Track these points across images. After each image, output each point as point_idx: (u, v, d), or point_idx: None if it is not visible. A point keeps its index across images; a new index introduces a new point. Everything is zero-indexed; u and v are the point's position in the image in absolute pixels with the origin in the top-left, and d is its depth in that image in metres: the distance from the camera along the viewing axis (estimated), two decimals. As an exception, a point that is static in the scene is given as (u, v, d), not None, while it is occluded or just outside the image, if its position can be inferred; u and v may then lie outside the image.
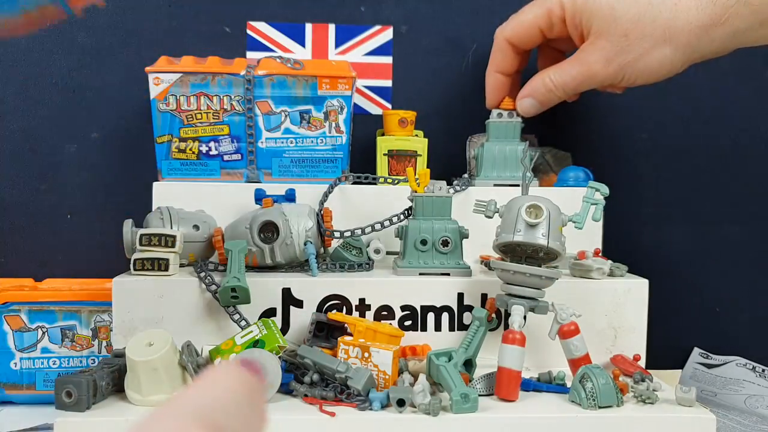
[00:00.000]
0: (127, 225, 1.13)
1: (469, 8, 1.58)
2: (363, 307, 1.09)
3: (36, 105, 1.49)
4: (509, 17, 0.95)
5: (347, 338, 0.99)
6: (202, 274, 1.06)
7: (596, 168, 1.57)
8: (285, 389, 0.95)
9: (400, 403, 0.89)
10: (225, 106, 1.27)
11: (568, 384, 0.99)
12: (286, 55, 1.48)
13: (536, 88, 0.74)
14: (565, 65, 0.68)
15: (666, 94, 1.62)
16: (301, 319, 1.08)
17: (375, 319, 1.09)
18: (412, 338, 1.09)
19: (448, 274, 1.13)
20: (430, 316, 1.10)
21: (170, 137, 1.28)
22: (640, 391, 0.95)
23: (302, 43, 1.54)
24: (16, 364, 1.26)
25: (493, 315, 1.04)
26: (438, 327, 1.10)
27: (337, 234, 1.15)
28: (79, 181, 1.46)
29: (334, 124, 1.30)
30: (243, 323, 1.03)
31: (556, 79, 0.73)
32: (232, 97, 1.27)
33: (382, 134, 1.41)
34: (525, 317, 0.99)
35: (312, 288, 1.08)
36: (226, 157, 1.29)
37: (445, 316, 1.10)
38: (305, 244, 1.12)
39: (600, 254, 1.19)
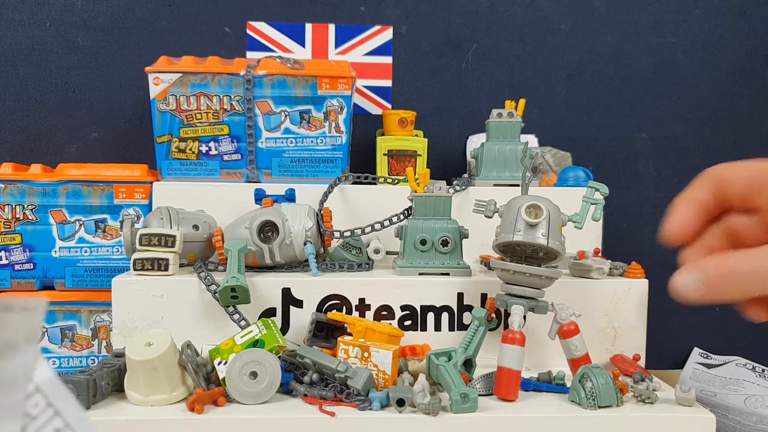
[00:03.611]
0: (127, 225, 1.13)
1: (469, 8, 1.59)
2: (363, 306, 1.09)
3: (36, 105, 1.49)
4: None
5: (347, 338, 0.99)
6: (202, 274, 1.06)
7: (596, 168, 1.57)
8: (285, 389, 0.95)
9: (400, 402, 0.89)
10: (225, 106, 1.27)
11: (568, 384, 0.99)
12: (286, 55, 1.48)
13: (709, 266, 0.40)
14: (761, 252, 0.38)
15: (666, 94, 1.62)
16: (301, 318, 1.08)
17: (375, 319, 1.09)
18: (412, 338, 1.09)
19: (448, 274, 1.13)
20: (430, 316, 1.10)
21: (170, 137, 1.28)
22: (639, 391, 0.95)
23: (302, 43, 1.54)
24: (16, 364, 1.26)
25: (493, 315, 1.03)
26: (438, 327, 1.10)
27: (337, 234, 1.15)
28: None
29: (334, 124, 1.30)
30: (243, 323, 1.03)
31: (743, 263, 0.38)
32: (232, 97, 1.27)
33: (382, 134, 1.41)
34: (525, 317, 0.99)
35: (312, 288, 1.08)
36: (226, 157, 1.29)
37: (444, 316, 1.10)
38: (305, 244, 1.12)
39: (600, 254, 1.19)
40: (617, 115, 1.61)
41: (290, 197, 1.21)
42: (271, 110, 1.28)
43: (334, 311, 1.07)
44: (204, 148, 1.28)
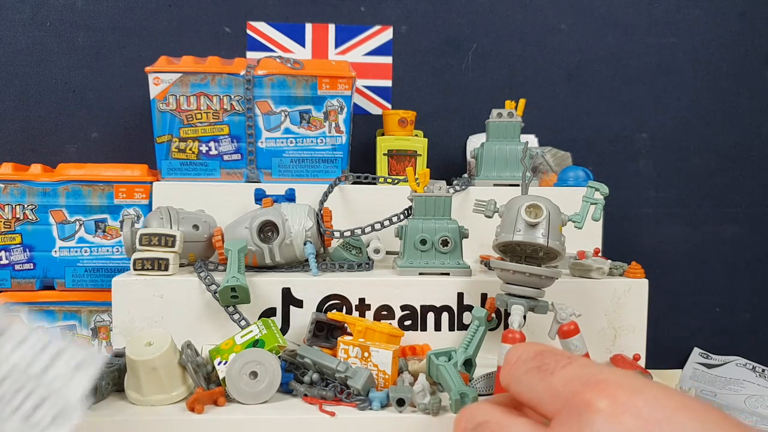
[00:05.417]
0: (127, 225, 1.13)
1: (469, 8, 1.59)
2: (363, 306, 1.09)
3: (36, 105, 1.49)
4: None
5: (347, 338, 0.99)
6: (202, 274, 1.06)
7: (596, 168, 1.57)
8: (285, 389, 0.95)
9: (400, 402, 0.89)
10: (225, 106, 1.27)
11: (568, 384, 0.98)
12: (286, 55, 1.48)
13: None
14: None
15: (666, 95, 1.62)
16: (301, 318, 1.08)
17: (375, 318, 1.09)
18: (412, 338, 1.09)
19: (448, 274, 1.13)
20: (430, 316, 1.10)
21: (170, 137, 1.28)
22: (639, 391, 0.95)
23: (302, 43, 1.54)
24: (16, 364, 1.26)
25: (493, 314, 1.03)
26: (438, 327, 1.10)
27: (337, 234, 1.15)
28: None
29: (334, 124, 1.30)
30: (243, 323, 1.03)
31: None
32: (232, 97, 1.27)
33: (382, 134, 1.41)
34: (525, 317, 0.99)
35: (312, 288, 1.08)
36: (226, 157, 1.29)
37: (445, 316, 1.10)
38: (305, 244, 1.12)
39: (600, 254, 1.19)
40: (617, 115, 1.61)
41: (290, 197, 1.21)
42: (271, 110, 1.28)
43: (334, 311, 1.07)
44: (204, 148, 1.28)
